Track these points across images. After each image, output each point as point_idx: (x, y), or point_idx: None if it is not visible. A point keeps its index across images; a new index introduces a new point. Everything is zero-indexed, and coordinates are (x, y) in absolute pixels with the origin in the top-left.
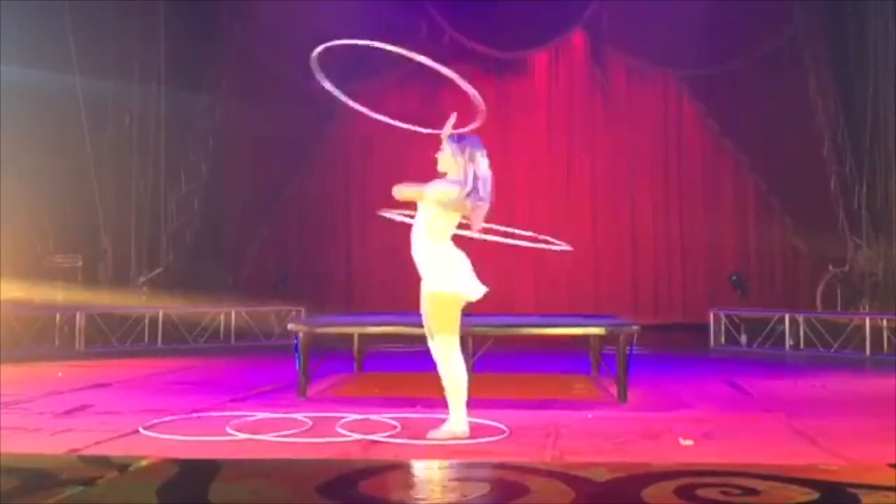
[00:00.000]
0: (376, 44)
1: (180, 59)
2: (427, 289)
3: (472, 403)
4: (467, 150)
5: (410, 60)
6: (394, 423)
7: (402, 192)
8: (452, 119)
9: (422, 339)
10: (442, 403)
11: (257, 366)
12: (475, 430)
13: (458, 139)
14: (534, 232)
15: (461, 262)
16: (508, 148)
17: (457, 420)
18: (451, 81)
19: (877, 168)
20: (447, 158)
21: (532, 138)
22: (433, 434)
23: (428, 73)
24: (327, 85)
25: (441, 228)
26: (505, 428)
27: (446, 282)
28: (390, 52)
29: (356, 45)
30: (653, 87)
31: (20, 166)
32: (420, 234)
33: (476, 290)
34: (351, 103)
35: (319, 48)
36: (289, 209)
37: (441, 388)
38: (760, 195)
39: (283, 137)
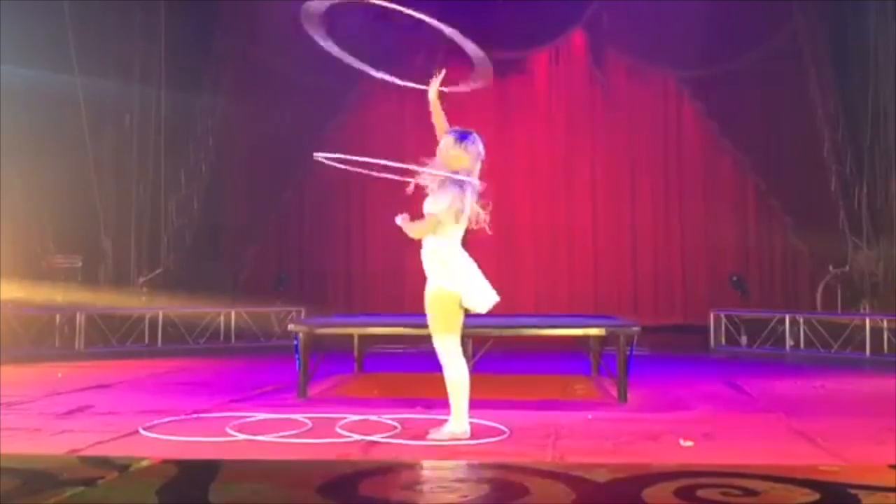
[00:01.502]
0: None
1: (180, 59)
2: (431, 288)
3: (473, 404)
4: (470, 148)
5: (408, 60)
6: (394, 423)
7: (415, 231)
8: (440, 76)
9: (422, 340)
10: (441, 404)
11: (257, 366)
12: (476, 431)
13: (462, 136)
14: (534, 235)
15: (470, 270)
16: (508, 148)
17: (457, 421)
18: (448, 85)
19: (877, 168)
20: (445, 151)
21: (532, 138)
22: (433, 434)
23: (428, 69)
24: (322, 41)
25: (448, 232)
26: (505, 429)
27: (450, 282)
28: (385, 55)
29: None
30: (653, 87)
31: (20, 166)
32: (429, 238)
33: (480, 302)
34: (353, 62)
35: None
36: (289, 209)
37: (442, 389)
38: (760, 195)
39: (283, 137)
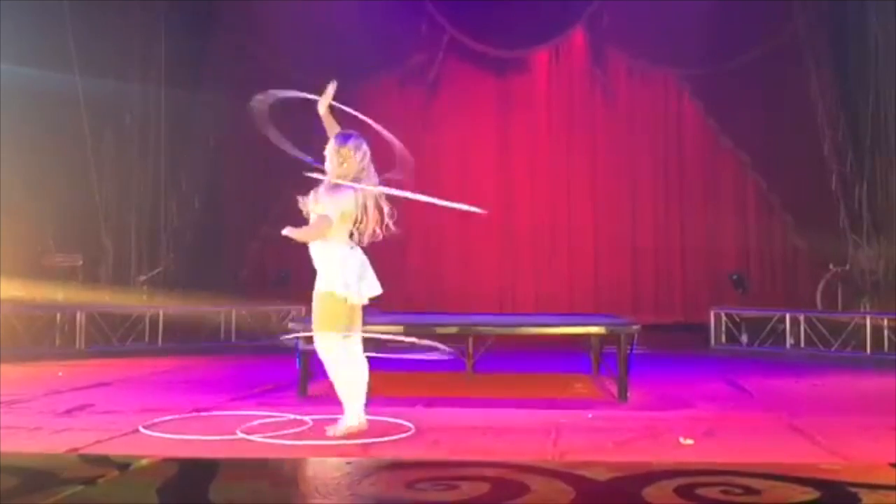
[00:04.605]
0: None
1: (180, 59)
2: (315, 288)
3: (473, 403)
4: (360, 151)
5: (408, 59)
6: (379, 418)
7: (307, 235)
8: (331, 88)
9: (421, 339)
10: (440, 402)
11: (257, 365)
12: (382, 428)
13: (343, 139)
14: (534, 234)
15: (352, 265)
16: (508, 147)
17: (351, 415)
18: (448, 84)
19: (877, 167)
20: (331, 155)
21: (532, 137)
22: (331, 431)
23: (426, 75)
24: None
25: (334, 232)
26: (411, 426)
27: (328, 283)
28: (385, 54)
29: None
30: (653, 86)
31: (20, 166)
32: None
33: (360, 293)
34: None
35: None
36: (289, 209)
37: (442, 387)
38: (761, 194)
39: (282, 136)
